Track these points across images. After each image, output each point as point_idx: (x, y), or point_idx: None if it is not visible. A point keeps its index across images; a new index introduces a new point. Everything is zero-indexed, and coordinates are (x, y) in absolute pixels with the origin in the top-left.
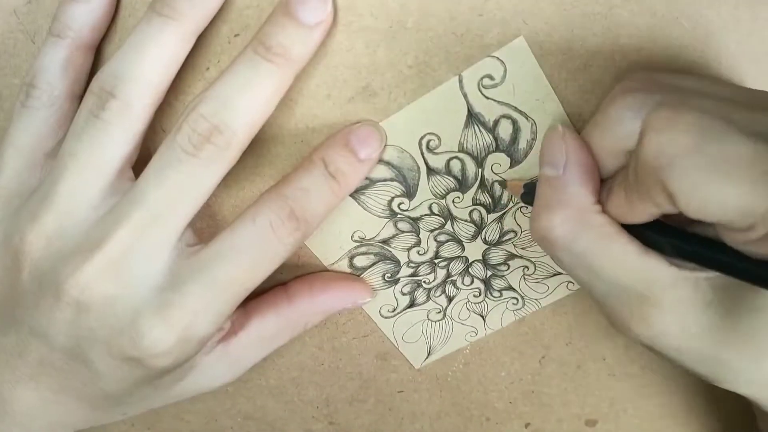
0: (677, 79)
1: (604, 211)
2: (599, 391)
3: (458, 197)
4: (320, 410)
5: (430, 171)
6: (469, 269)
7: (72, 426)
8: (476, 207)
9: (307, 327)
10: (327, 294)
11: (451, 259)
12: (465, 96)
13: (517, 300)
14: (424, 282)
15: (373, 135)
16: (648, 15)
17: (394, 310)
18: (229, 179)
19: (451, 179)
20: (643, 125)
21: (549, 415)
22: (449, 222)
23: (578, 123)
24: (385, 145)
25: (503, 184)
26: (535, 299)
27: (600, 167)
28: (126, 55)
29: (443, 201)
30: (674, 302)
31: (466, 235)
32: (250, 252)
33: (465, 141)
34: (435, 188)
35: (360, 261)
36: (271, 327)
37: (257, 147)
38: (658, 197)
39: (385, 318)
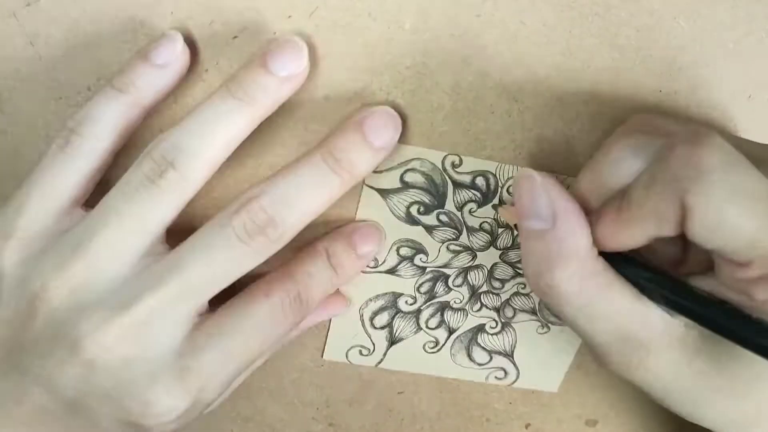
0: (676, 125)
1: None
2: (599, 391)
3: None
4: (320, 412)
5: (456, 185)
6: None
7: None
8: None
9: (284, 343)
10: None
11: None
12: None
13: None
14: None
15: (374, 234)
16: (646, 15)
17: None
18: (230, 182)
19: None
20: (670, 139)
21: (549, 416)
22: (465, 233)
23: (575, 123)
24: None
25: (495, 207)
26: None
27: (588, 206)
28: (192, 128)
29: (458, 212)
30: (667, 347)
31: (479, 245)
32: (262, 327)
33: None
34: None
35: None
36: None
37: (257, 149)
38: (668, 211)
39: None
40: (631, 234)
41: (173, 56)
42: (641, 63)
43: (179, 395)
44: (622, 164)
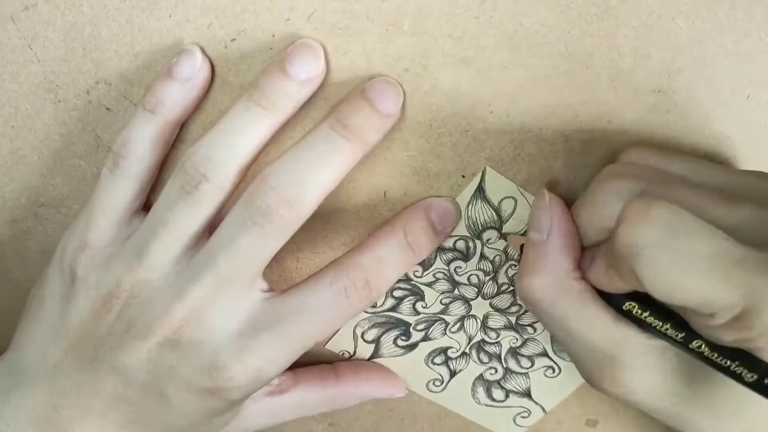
0: (669, 164)
1: (585, 277)
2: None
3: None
4: None
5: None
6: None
7: None
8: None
9: (342, 407)
10: (369, 383)
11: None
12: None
13: (496, 371)
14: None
15: (450, 211)
16: (645, 15)
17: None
18: None
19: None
20: (620, 214)
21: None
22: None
23: (573, 123)
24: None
25: (505, 237)
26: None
27: (584, 238)
28: (220, 139)
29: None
30: (642, 367)
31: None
32: (324, 313)
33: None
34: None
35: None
36: (314, 397)
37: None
38: (630, 279)
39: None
40: (615, 286)
41: (195, 69)
42: (640, 63)
43: (240, 368)
44: (607, 208)
